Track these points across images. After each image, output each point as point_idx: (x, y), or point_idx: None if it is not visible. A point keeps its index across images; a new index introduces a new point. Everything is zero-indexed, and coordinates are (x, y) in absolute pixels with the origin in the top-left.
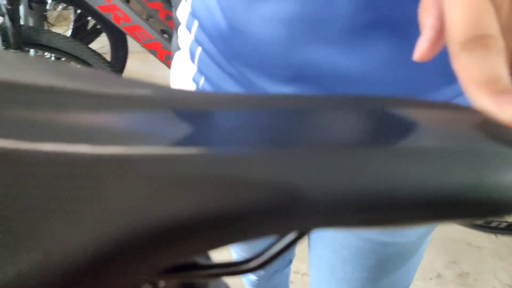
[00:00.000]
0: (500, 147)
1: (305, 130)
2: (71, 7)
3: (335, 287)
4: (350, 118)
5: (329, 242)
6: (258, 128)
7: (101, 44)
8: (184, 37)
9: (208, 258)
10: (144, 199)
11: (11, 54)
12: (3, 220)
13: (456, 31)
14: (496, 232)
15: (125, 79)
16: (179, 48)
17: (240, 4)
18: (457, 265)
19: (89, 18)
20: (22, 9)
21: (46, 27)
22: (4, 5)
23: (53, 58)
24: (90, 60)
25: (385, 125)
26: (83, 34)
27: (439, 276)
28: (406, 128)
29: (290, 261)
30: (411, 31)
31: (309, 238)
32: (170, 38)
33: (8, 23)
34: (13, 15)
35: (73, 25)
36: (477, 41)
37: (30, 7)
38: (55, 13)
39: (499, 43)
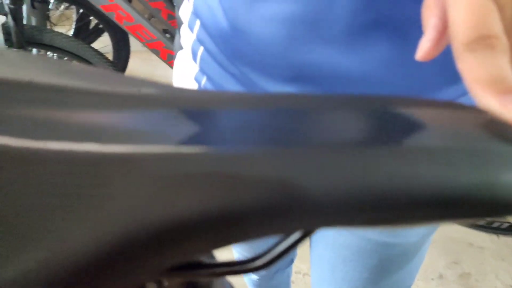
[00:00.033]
0: (506, 146)
1: (308, 129)
2: (73, 7)
3: (336, 287)
4: (354, 117)
5: (330, 242)
6: (262, 127)
7: (103, 43)
8: (186, 36)
9: (212, 257)
10: (149, 198)
11: (16, 52)
12: (9, 218)
13: (460, 31)
14: (497, 233)
15: (129, 78)
16: (181, 47)
17: (241, 4)
18: (459, 266)
19: (91, 17)
20: (25, 8)
21: (48, 27)
22: (7, 4)
23: (55, 58)
24: (92, 59)
25: (390, 124)
26: (85, 33)
27: (440, 276)
28: (410, 127)
29: (292, 261)
30: (411, 31)
31: (310, 238)
32: (172, 38)
33: (11, 22)
34: (16, 14)
35: (75, 25)
36: (481, 42)
37: (33, 6)
38: (57, 13)
39: (503, 43)
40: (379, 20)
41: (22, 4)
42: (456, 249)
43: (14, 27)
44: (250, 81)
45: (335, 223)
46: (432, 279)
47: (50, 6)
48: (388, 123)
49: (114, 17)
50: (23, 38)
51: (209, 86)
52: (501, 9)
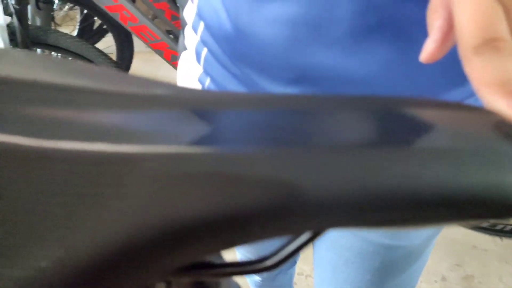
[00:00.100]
0: None
1: (314, 129)
2: (77, 7)
3: None
4: (361, 118)
5: (332, 243)
6: (265, 128)
7: (107, 44)
8: (190, 37)
9: (221, 257)
10: (153, 198)
11: (21, 51)
12: (25, 216)
13: (467, 34)
14: (501, 235)
15: (134, 77)
16: (185, 48)
17: (244, 6)
18: (462, 268)
19: (95, 18)
20: (29, 9)
21: (53, 27)
22: (12, 4)
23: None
24: (96, 59)
25: (396, 124)
26: (89, 34)
27: (443, 279)
28: (418, 128)
29: (295, 262)
30: (414, 33)
31: None
32: (176, 39)
33: (16, 22)
34: (21, 15)
35: (80, 25)
36: (488, 44)
37: (37, 7)
38: (61, 13)
39: (510, 45)
40: (381, 22)
41: (27, 5)
42: (459, 251)
43: (19, 27)
44: (252, 82)
45: (342, 223)
46: (435, 281)
47: (54, 7)
48: (395, 124)
49: (118, 18)
50: (28, 38)
51: (213, 87)
52: (507, 11)
